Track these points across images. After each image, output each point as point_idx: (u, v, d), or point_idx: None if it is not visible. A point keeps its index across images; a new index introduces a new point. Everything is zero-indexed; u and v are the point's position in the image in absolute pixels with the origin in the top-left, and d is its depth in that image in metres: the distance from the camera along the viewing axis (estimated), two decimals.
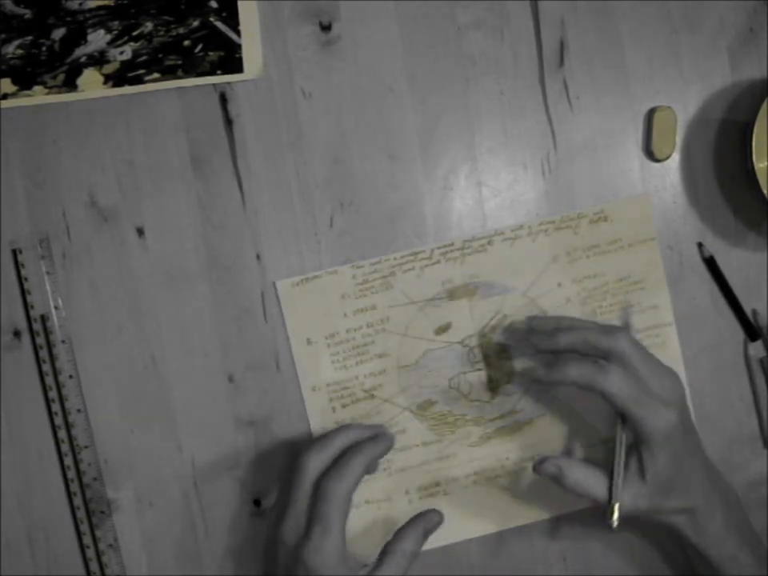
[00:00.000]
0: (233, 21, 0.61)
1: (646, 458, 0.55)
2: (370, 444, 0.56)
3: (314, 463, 0.55)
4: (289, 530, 0.54)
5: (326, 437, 0.56)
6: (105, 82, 0.60)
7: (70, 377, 0.60)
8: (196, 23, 0.60)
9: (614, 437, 0.57)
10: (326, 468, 0.55)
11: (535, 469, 0.57)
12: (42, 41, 0.60)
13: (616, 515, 0.54)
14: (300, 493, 0.54)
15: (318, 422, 0.62)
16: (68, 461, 0.61)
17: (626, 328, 0.62)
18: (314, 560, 0.52)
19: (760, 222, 0.64)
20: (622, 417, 0.56)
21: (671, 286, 0.63)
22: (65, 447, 0.61)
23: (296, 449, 0.61)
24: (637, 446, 0.55)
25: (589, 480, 0.56)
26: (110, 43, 0.60)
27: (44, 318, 0.60)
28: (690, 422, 0.57)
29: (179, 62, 0.60)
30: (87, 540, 0.61)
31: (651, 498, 0.55)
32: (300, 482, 0.54)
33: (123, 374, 0.61)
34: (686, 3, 0.63)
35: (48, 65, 0.60)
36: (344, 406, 0.62)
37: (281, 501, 0.58)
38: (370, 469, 0.57)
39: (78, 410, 0.60)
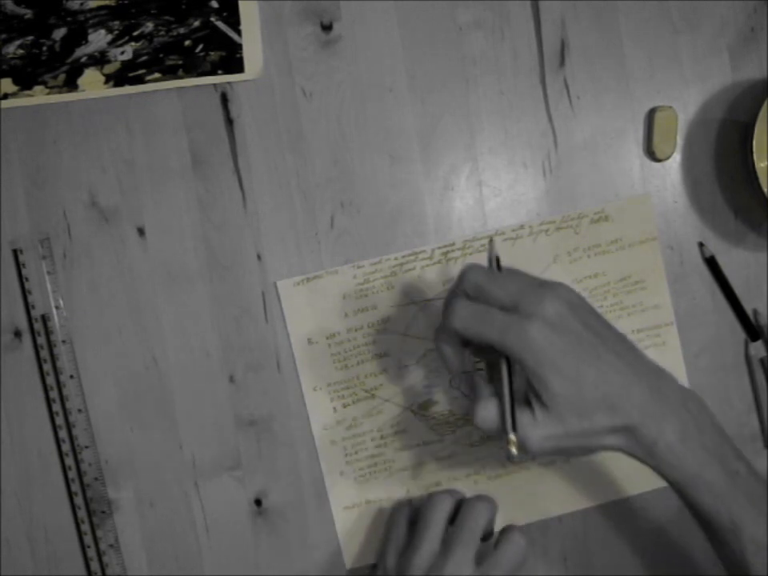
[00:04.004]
0: (233, 21, 0.61)
1: (535, 382, 0.49)
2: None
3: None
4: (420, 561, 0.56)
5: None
6: (105, 82, 0.60)
7: (71, 377, 0.60)
8: (197, 23, 0.60)
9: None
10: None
11: (451, 384, 0.54)
12: (42, 41, 0.60)
13: (514, 448, 0.49)
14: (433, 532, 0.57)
15: (318, 422, 0.62)
16: (69, 461, 0.61)
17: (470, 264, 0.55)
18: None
19: (760, 221, 0.64)
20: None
21: (672, 285, 0.64)
22: (65, 447, 0.61)
23: (296, 449, 0.61)
24: (523, 375, 0.50)
25: (497, 416, 0.51)
26: (111, 43, 0.60)
27: (45, 318, 0.60)
28: (572, 325, 0.49)
29: (180, 62, 0.60)
30: (88, 540, 0.61)
31: (565, 424, 0.49)
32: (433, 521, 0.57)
33: (124, 374, 0.61)
34: (686, 3, 0.63)
35: (49, 65, 0.60)
36: (345, 406, 0.62)
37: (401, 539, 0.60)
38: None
39: (79, 410, 0.60)
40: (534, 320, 0.48)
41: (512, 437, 0.49)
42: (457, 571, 0.55)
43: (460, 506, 0.59)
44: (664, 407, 0.50)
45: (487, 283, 0.50)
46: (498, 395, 0.51)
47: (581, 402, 0.49)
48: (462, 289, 0.51)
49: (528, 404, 0.50)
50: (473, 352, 0.55)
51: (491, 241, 0.55)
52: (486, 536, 0.58)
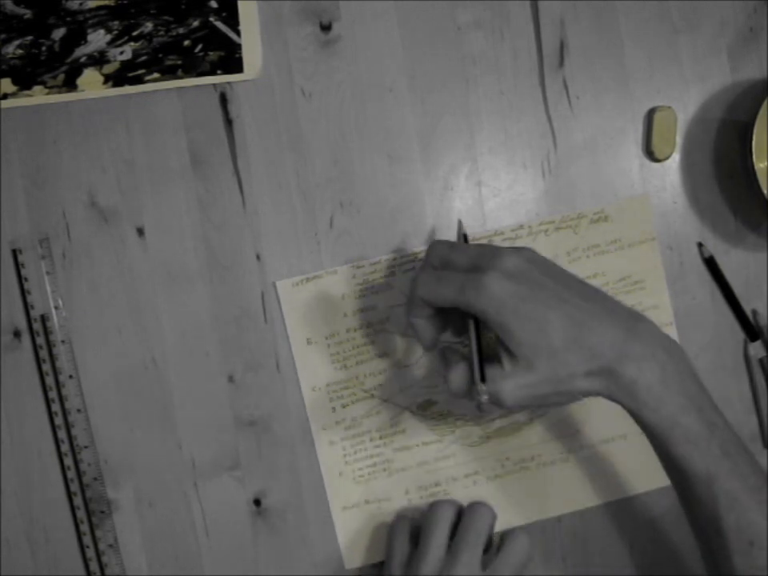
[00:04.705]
0: (233, 21, 0.61)
1: (500, 333, 0.49)
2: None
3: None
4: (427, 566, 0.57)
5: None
6: (105, 82, 0.60)
7: (70, 377, 0.60)
8: (196, 23, 0.60)
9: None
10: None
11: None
12: (42, 41, 0.60)
13: (483, 395, 0.49)
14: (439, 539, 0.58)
15: (317, 422, 0.62)
16: (68, 461, 0.61)
17: (436, 239, 0.58)
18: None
19: (760, 221, 0.64)
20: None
21: (671, 285, 0.64)
22: (65, 447, 0.61)
23: (296, 449, 0.61)
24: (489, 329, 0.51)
25: (467, 377, 0.51)
26: (110, 43, 0.60)
27: (44, 318, 0.60)
28: (531, 274, 0.50)
29: (179, 62, 0.60)
30: (87, 540, 0.61)
31: (536, 370, 0.48)
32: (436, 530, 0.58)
33: (123, 374, 0.61)
34: (686, 3, 0.63)
35: (48, 65, 0.60)
36: (344, 406, 0.62)
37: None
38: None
39: (78, 410, 0.60)
40: (490, 272, 0.49)
41: (480, 386, 0.49)
42: (466, 572, 0.55)
43: (461, 514, 0.59)
44: (643, 348, 0.49)
45: (450, 252, 0.52)
46: (470, 360, 0.52)
47: (548, 346, 0.48)
48: (428, 262, 0.52)
49: (499, 361, 0.50)
50: (452, 332, 0.55)
51: (459, 221, 0.57)
52: (486, 546, 0.58)
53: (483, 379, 0.50)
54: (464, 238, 0.57)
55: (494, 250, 0.51)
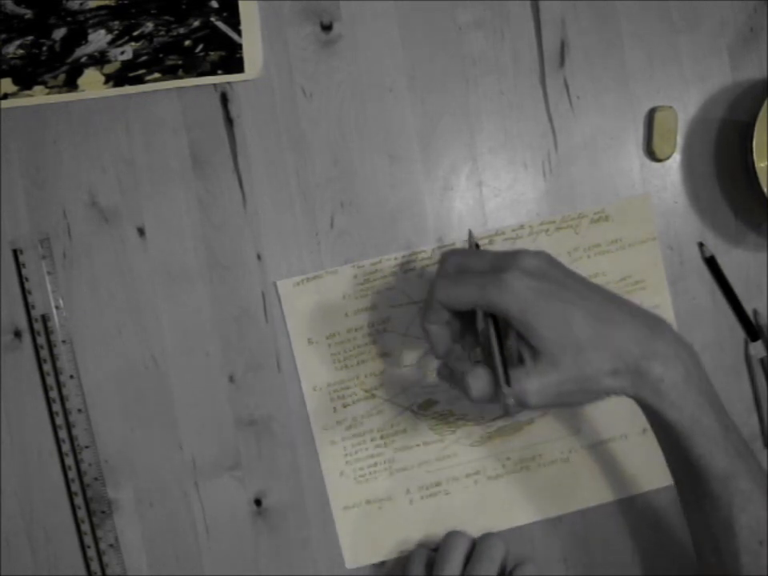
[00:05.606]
0: (233, 21, 0.61)
1: (523, 331, 0.48)
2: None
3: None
4: None
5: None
6: (105, 82, 0.60)
7: (71, 377, 0.60)
8: (197, 23, 0.60)
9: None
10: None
11: (439, 373, 0.54)
12: (42, 41, 0.60)
13: (509, 397, 0.49)
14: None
15: (318, 422, 0.62)
16: (69, 461, 0.61)
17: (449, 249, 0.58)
18: None
19: (760, 221, 0.64)
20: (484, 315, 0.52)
21: (672, 285, 0.64)
22: (65, 447, 0.61)
23: (296, 449, 0.62)
24: (510, 328, 0.50)
25: (490, 384, 0.50)
26: (111, 43, 0.60)
27: (45, 318, 0.60)
28: (552, 274, 0.50)
29: (180, 62, 0.60)
30: (88, 540, 0.61)
31: (560, 368, 0.48)
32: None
33: (124, 374, 0.61)
34: (686, 3, 0.63)
35: (48, 65, 0.60)
36: (345, 406, 0.62)
37: None
38: None
39: (79, 410, 0.60)
40: (512, 270, 0.48)
41: (507, 388, 0.49)
42: None
43: (474, 546, 0.60)
44: (666, 347, 0.49)
45: (466, 258, 0.51)
46: (489, 365, 0.51)
47: (574, 342, 0.48)
48: (444, 270, 0.52)
49: (521, 362, 0.50)
50: (463, 345, 0.55)
51: (470, 231, 0.58)
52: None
53: (508, 381, 0.49)
54: (476, 246, 0.57)
55: (513, 252, 0.50)
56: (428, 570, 0.60)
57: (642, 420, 0.52)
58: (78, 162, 0.61)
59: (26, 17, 0.60)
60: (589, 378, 0.49)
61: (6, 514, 0.61)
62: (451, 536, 0.61)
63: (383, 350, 0.62)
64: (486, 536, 0.61)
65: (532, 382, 0.48)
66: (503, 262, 0.50)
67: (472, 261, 0.51)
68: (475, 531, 0.62)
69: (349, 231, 0.62)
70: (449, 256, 0.53)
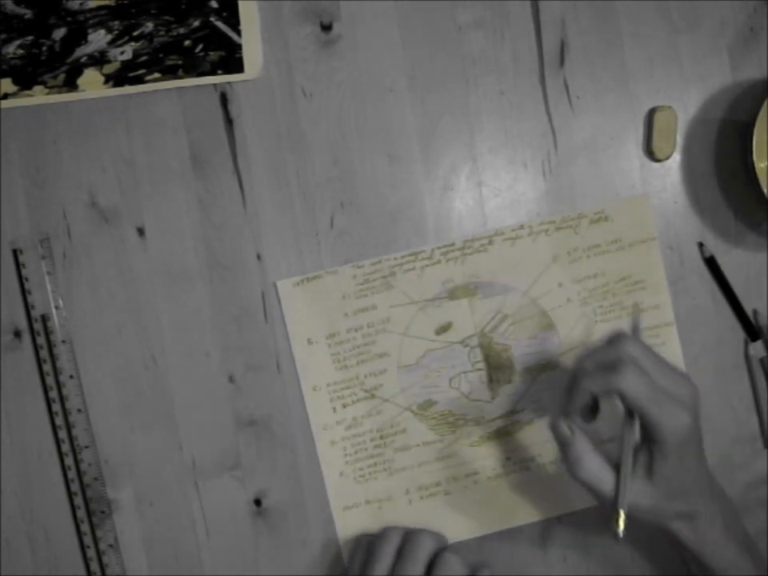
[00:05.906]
0: (233, 21, 0.61)
1: (657, 459, 0.52)
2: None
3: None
4: None
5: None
6: (105, 82, 0.60)
7: (71, 377, 0.60)
8: (196, 23, 0.60)
9: (617, 438, 0.56)
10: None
11: (552, 428, 0.54)
12: (42, 41, 0.60)
13: (622, 524, 0.51)
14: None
15: (318, 422, 0.62)
16: (68, 461, 0.61)
17: (626, 333, 0.57)
18: None
19: (760, 221, 0.64)
20: (631, 416, 0.53)
21: (672, 285, 0.63)
22: (65, 447, 0.61)
23: (296, 449, 0.61)
24: (648, 446, 0.53)
25: (601, 472, 0.53)
26: (111, 43, 0.60)
27: (44, 318, 0.60)
28: (699, 428, 0.54)
29: (180, 62, 0.60)
30: (88, 540, 0.61)
31: (655, 500, 0.52)
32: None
33: (123, 374, 0.61)
34: (686, 3, 0.63)
35: (48, 65, 0.60)
36: (344, 406, 0.62)
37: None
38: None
39: (79, 410, 0.60)
40: (689, 412, 0.52)
41: (622, 513, 0.51)
42: None
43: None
44: (717, 502, 0.54)
45: (657, 371, 0.53)
46: (613, 464, 0.53)
47: (676, 487, 0.52)
48: (626, 359, 0.53)
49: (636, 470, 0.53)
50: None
51: (636, 305, 0.62)
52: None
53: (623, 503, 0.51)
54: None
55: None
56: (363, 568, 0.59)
57: None
58: (78, 162, 0.61)
59: (26, 17, 0.60)
60: (665, 516, 0.53)
61: (6, 513, 0.61)
62: (382, 532, 0.59)
63: (383, 349, 0.62)
64: (413, 533, 0.59)
65: (633, 502, 0.52)
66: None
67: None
68: (475, 531, 0.63)
69: (349, 231, 0.62)
70: (626, 345, 0.54)
